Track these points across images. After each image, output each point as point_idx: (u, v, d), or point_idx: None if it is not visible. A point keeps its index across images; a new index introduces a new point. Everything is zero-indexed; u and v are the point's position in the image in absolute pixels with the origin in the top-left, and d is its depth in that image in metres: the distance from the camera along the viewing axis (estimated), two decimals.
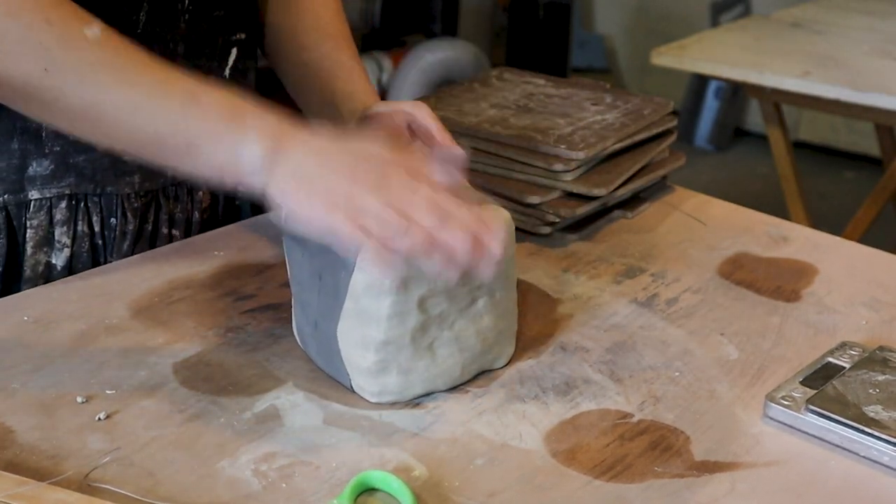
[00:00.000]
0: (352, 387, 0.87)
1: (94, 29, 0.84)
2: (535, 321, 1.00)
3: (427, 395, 0.88)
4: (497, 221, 0.84)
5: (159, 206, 1.12)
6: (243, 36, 1.14)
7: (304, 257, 0.89)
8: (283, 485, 0.77)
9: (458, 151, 0.98)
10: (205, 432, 0.82)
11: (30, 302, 0.99)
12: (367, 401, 0.87)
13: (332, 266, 0.85)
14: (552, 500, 0.77)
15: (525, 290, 1.06)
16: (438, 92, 1.33)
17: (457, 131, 1.22)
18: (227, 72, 1.13)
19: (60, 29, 0.83)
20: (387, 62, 3.92)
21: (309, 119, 1.15)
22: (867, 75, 2.41)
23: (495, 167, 1.20)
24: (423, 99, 1.30)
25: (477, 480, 0.78)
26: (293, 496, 0.76)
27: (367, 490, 0.76)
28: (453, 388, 0.89)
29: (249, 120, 0.82)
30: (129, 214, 1.09)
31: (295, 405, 0.86)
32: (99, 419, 0.82)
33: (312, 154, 0.82)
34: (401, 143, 0.85)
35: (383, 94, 3.88)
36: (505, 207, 1.17)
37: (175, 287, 1.03)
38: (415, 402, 0.87)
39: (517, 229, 1.17)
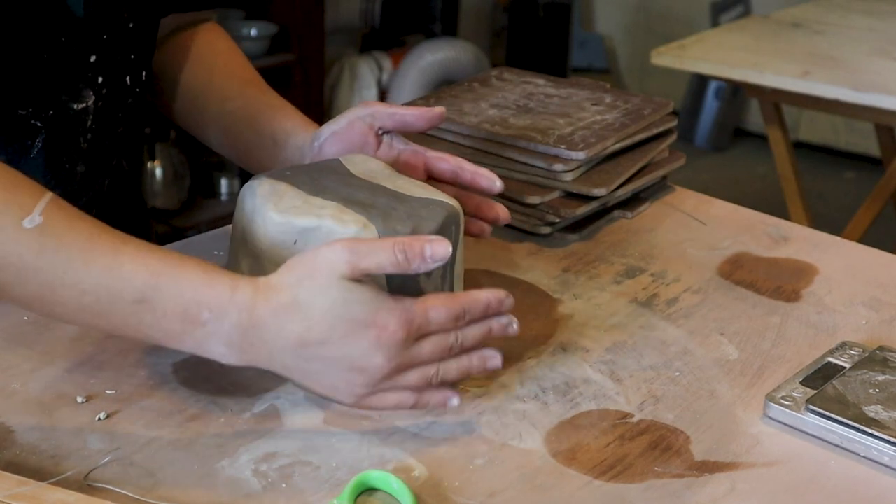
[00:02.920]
0: None
1: (35, 215, 0.77)
2: (535, 321, 1.00)
3: None
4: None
5: None
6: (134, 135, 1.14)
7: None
8: (283, 485, 0.77)
9: (438, 110, 0.99)
10: (205, 432, 0.82)
11: None
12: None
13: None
14: (552, 500, 0.77)
15: (525, 290, 1.06)
16: (438, 92, 1.33)
17: (457, 131, 1.22)
18: (113, 161, 1.12)
19: None
20: (387, 62, 3.92)
21: (246, 164, 1.12)
22: (867, 75, 2.41)
23: (495, 167, 1.19)
24: (423, 99, 1.30)
25: (477, 480, 0.78)
26: (293, 496, 0.76)
27: (367, 490, 0.76)
28: (453, 388, 0.89)
29: (206, 320, 0.78)
30: None
31: (295, 405, 0.86)
32: (99, 419, 0.82)
33: (284, 345, 0.78)
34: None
35: (383, 95, 3.88)
36: (505, 207, 1.18)
37: None
38: None
39: (517, 229, 1.17)
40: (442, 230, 0.87)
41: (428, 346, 0.80)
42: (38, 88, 0.98)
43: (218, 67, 1.16)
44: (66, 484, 0.74)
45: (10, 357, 0.90)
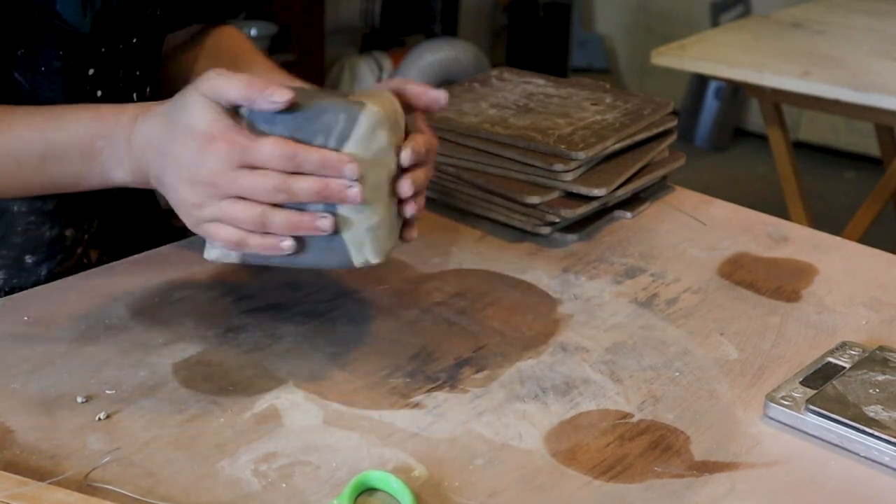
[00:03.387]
0: (352, 260, 0.88)
1: None
2: (535, 321, 1.00)
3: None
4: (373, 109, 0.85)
5: None
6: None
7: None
8: (283, 485, 0.77)
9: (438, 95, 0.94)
10: (205, 432, 0.82)
11: (30, 302, 0.99)
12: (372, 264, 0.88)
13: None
14: (552, 500, 0.77)
15: (525, 290, 1.06)
16: None
17: (457, 131, 1.22)
18: None
19: None
20: (387, 62, 3.92)
21: None
22: (867, 75, 2.41)
23: (495, 167, 1.20)
24: None
25: (477, 480, 0.78)
26: (293, 496, 0.76)
27: (367, 490, 0.77)
28: (453, 388, 0.89)
29: (101, 147, 0.89)
30: None
31: (295, 405, 0.86)
32: (99, 419, 0.82)
33: (149, 148, 0.87)
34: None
35: None
36: (505, 207, 1.18)
37: (175, 287, 1.03)
38: (414, 401, 0.87)
39: (517, 229, 1.17)
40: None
41: (254, 177, 0.83)
42: (32, 99, 0.99)
43: (243, 61, 1.18)
44: (66, 484, 0.74)
45: (10, 357, 0.90)
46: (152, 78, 1.12)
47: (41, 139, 0.90)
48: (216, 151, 0.83)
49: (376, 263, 0.88)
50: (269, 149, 0.83)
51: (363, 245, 0.88)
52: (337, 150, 0.85)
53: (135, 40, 1.06)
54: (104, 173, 0.91)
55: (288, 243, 0.85)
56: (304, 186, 0.83)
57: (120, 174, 0.90)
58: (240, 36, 1.24)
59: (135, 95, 1.09)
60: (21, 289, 1.04)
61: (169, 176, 0.86)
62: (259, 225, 0.84)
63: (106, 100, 1.05)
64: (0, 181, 0.93)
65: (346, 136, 0.85)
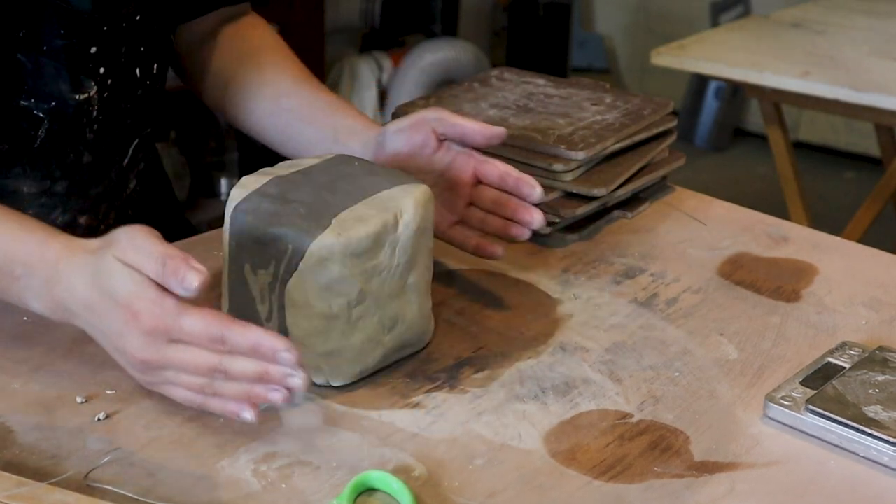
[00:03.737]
0: (312, 379, 0.88)
1: None
2: (535, 321, 1.00)
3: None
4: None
5: None
6: (148, 130, 1.16)
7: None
8: (283, 485, 0.77)
9: (498, 130, 1.02)
10: (204, 432, 0.82)
11: None
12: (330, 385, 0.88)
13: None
14: (552, 500, 0.77)
15: (525, 290, 1.06)
16: (438, 92, 1.33)
17: None
18: (125, 161, 1.13)
19: None
20: (387, 62, 3.92)
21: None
22: (867, 75, 2.41)
23: None
24: (423, 99, 1.30)
25: (476, 480, 0.78)
26: (293, 496, 0.76)
27: (366, 490, 0.77)
28: (453, 388, 0.89)
29: (20, 275, 0.83)
30: None
31: (295, 405, 0.86)
32: (99, 419, 0.82)
33: (74, 304, 0.81)
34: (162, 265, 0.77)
35: (383, 95, 3.88)
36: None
37: None
38: (414, 402, 0.87)
39: None
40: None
41: (184, 354, 0.78)
42: (36, 79, 0.99)
43: (269, 64, 1.17)
44: (65, 484, 0.74)
45: (10, 357, 0.90)
46: (158, 54, 1.12)
47: None
48: (141, 329, 0.77)
49: (340, 386, 0.88)
50: (195, 329, 0.77)
51: (319, 369, 0.88)
52: (287, 277, 0.84)
53: (138, 17, 1.06)
54: (22, 298, 0.85)
55: (248, 415, 0.78)
56: (242, 369, 0.77)
57: (37, 306, 0.84)
58: (269, 33, 1.21)
59: (138, 71, 1.09)
60: None
61: (105, 342, 0.82)
62: (210, 393, 0.79)
63: (109, 77, 1.05)
64: None
65: (295, 267, 0.84)
